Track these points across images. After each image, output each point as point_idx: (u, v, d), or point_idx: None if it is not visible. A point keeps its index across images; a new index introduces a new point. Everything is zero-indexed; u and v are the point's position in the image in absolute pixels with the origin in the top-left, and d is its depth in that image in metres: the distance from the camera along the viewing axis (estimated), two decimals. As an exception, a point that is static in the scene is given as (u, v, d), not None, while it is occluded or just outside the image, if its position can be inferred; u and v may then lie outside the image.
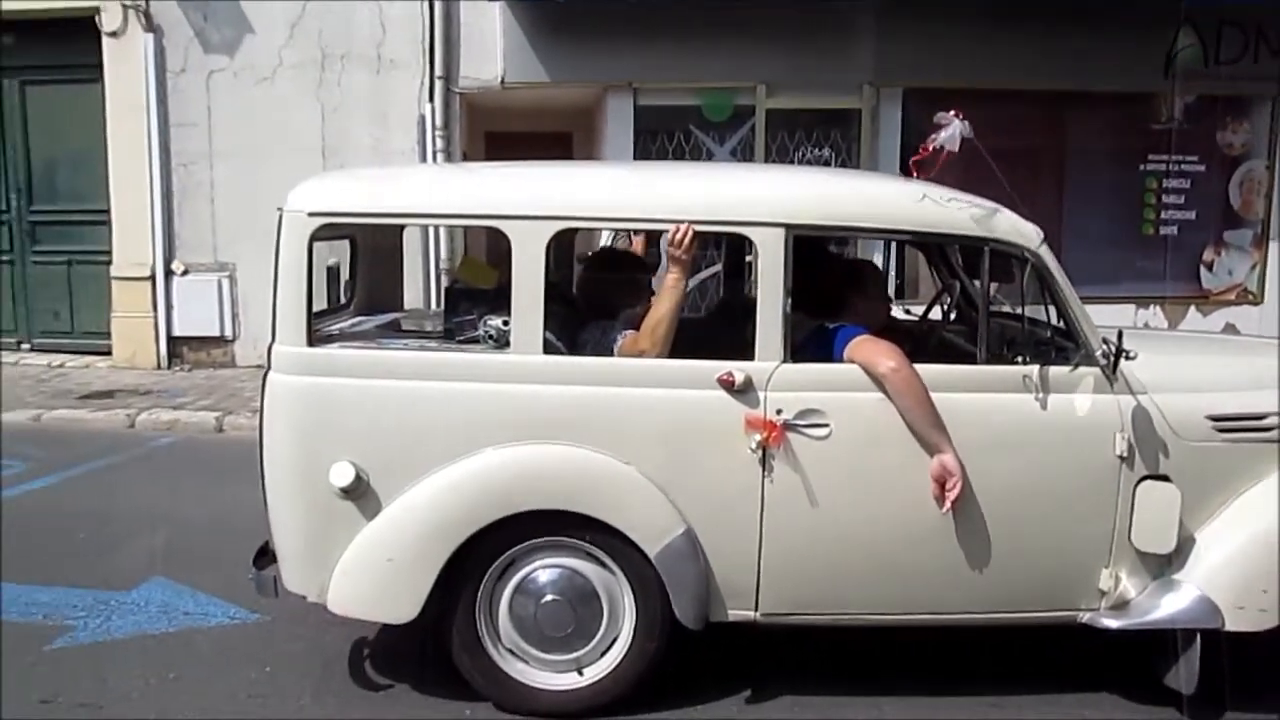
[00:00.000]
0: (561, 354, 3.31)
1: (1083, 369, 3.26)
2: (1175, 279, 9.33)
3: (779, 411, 3.15)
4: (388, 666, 3.65)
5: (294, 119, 8.97)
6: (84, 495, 5.79)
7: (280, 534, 3.32)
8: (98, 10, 8.92)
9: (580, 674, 3.32)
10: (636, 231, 4.44)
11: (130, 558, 4.71)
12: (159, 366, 9.19)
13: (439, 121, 8.92)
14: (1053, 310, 3.32)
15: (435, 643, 3.36)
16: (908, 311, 4.49)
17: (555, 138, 10.49)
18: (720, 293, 5.55)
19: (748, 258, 4.54)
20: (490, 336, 3.33)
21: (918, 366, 3.17)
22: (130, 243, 9.17)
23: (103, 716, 3.34)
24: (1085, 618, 3.33)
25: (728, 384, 3.15)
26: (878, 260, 7.93)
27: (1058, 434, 3.24)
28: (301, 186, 3.31)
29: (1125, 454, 3.23)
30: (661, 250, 3.70)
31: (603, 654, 3.32)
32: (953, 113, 3.66)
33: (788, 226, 3.18)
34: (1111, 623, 3.27)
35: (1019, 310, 3.33)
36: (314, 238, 3.20)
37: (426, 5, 8.84)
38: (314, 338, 3.25)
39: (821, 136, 9.17)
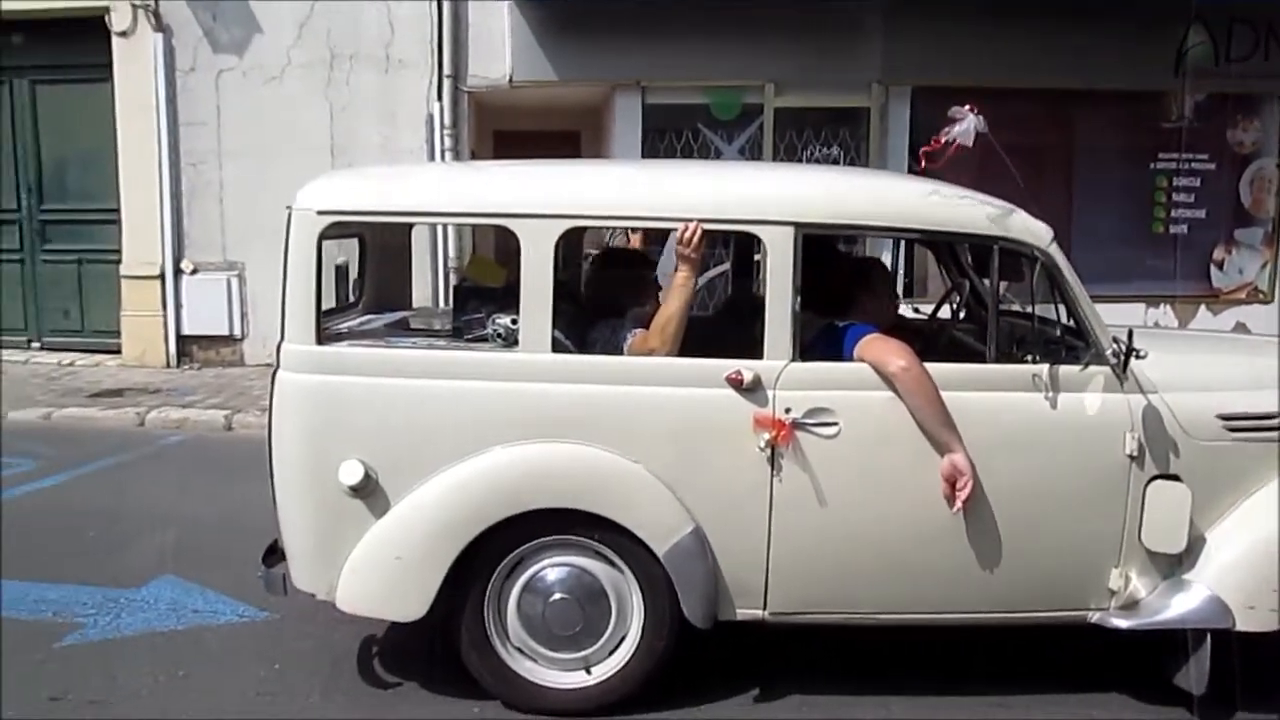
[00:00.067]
0: (570, 352, 3.31)
1: (1093, 368, 3.25)
2: (1185, 278, 9.30)
3: (788, 410, 3.15)
4: (396, 664, 3.65)
5: (302, 118, 8.99)
6: (94, 493, 5.81)
7: (289, 532, 3.32)
8: (107, 10, 8.94)
9: (588, 672, 3.32)
10: (635, 229, 4.43)
11: (140, 555, 4.72)
12: (168, 365, 9.22)
13: (447, 120, 8.93)
14: (1062, 309, 3.30)
15: (444, 641, 3.36)
16: (917, 310, 4.48)
17: (563, 136, 10.49)
18: (729, 291, 5.54)
19: (756, 256, 4.55)
20: (499, 335, 3.34)
21: (927, 365, 3.16)
22: (140, 242, 9.20)
23: (112, 713, 3.35)
24: (1095, 617, 3.32)
25: (736, 383, 3.14)
26: (886, 259, 7.91)
27: (1068, 433, 3.23)
28: (310, 185, 3.31)
29: (1135, 453, 3.21)
30: (668, 249, 3.69)
31: (611, 652, 3.32)
32: (967, 107, 3.65)
33: (796, 225, 3.17)
34: (1121, 622, 3.26)
35: (1028, 309, 3.32)
36: (323, 236, 3.21)
37: (435, 5, 8.84)
38: (323, 336, 3.26)
39: (830, 135, 9.16)
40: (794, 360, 3.18)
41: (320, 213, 3.21)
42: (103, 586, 4.31)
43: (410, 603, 3.19)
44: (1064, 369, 3.24)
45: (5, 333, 9.72)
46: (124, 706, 3.39)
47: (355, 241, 4.04)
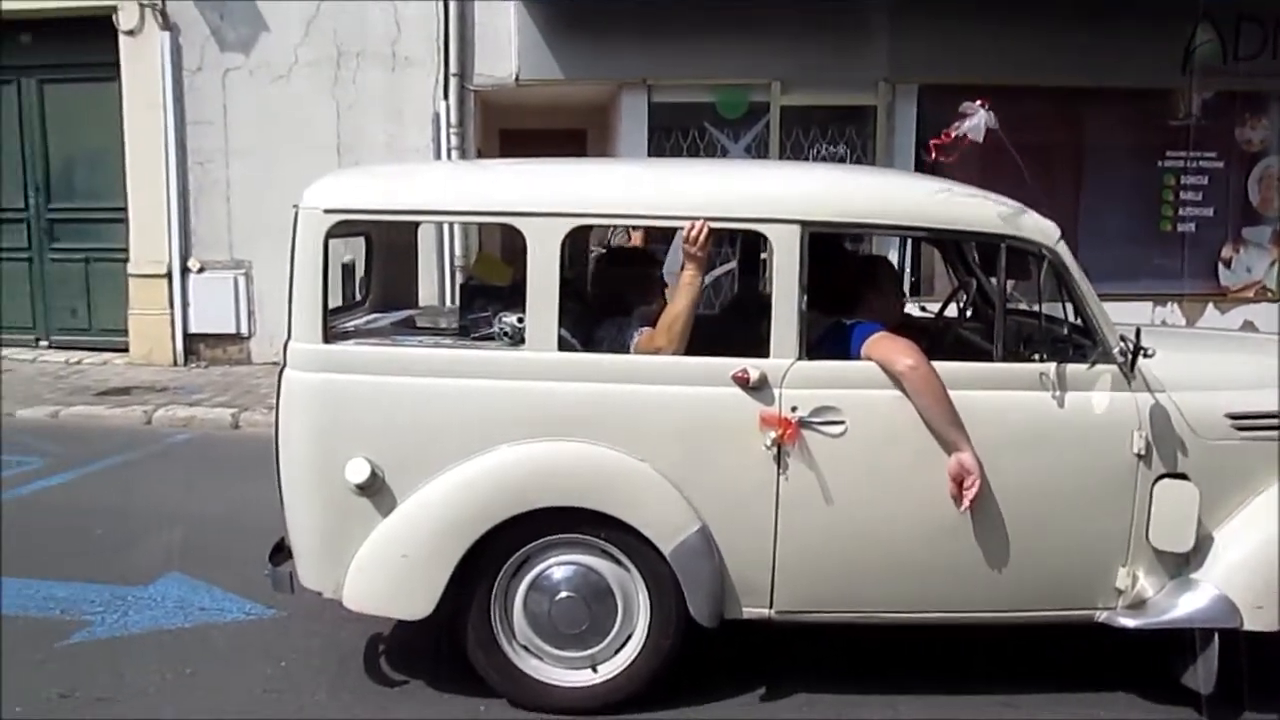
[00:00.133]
0: (576, 351, 3.31)
1: (1100, 367, 3.24)
2: (1193, 276, 9.27)
3: (794, 409, 3.14)
4: (403, 662, 3.65)
5: (309, 117, 9.00)
6: (101, 491, 5.82)
7: (296, 530, 3.32)
8: (114, 9, 8.96)
9: (595, 671, 3.32)
10: (635, 227, 4.44)
11: (147, 553, 4.73)
12: (175, 363, 9.24)
13: (454, 119, 8.94)
14: (1070, 307, 3.30)
15: (450, 639, 3.36)
16: (923, 309, 4.47)
17: (570, 135, 10.49)
18: (735, 290, 5.54)
19: (762, 255, 4.55)
20: (505, 333, 3.34)
21: (934, 364, 3.15)
22: (147, 240, 9.22)
23: (119, 710, 3.35)
24: (1102, 616, 3.31)
25: (743, 381, 3.14)
26: (893, 257, 7.91)
27: (1075, 432, 3.22)
28: (317, 184, 3.32)
29: (1143, 452, 3.21)
30: (675, 247, 3.70)
31: (617, 651, 3.32)
32: (979, 102, 3.64)
33: (803, 223, 3.17)
34: (1129, 622, 3.25)
35: (1036, 307, 3.31)
36: (329, 235, 3.21)
37: (441, 3, 8.85)
38: (329, 334, 3.26)
39: (836, 133, 9.15)
40: (800, 359, 3.17)
41: (327, 211, 3.21)
42: (110, 584, 4.32)
43: (416, 601, 3.19)
44: (1071, 368, 3.23)
45: (14, 331, 9.76)
46: (131, 704, 3.39)
47: (362, 240, 4.04)
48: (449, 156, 8.89)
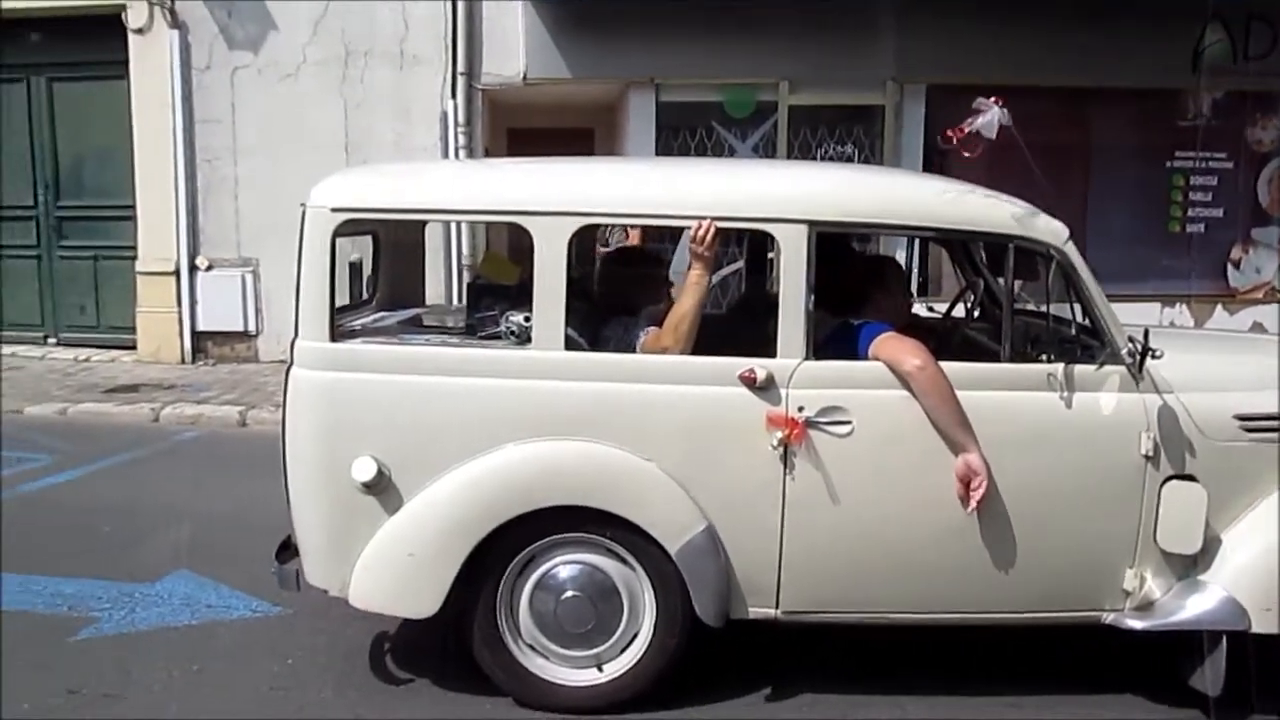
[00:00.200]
0: (583, 350, 3.31)
1: (1108, 367, 3.23)
2: (1202, 277, 9.25)
3: (801, 409, 3.14)
4: (409, 661, 3.66)
5: (317, 115, 9.02)
6: (109, 488, 5.83)
7: (302, 528, 3.33)
8: (124, 8, 9.00)
9: (600, 670, 3.32)
10: (634, 226, 4.43)
11: (154, 551, 4.74)
12: (183, 361, 9.27)
13: (461, 118, 8.95)
14: (1078, 308, 3.28)
15: (456, 638, 3.36)
16: (931, 309, 4.46)
17: (577, 134, 10.49)
18: (742, 289, 5.54)
19: (770, 254, 4.54)
20: (512, 332, 3.33)
21: (942, 364, 3.15)
22: (155, 238, 9.25)
23: (126, 707, 3.36)
24: (1109, 618, 3.30)
25: (749, 381, 3.14)
26: (901, 257, 7.88)
27: (1082, 433, 3.21)
28: (324, 182, 3.32)
29: (1151, 453, 3.19)
30: (682, 246, 3.69)
31: (623, 650, 3.31)
32: (992, 99, 3.62)
33: (810, 223, 3.16)
34: (1136, 623, 3.24)
35: (1044, 308, 3.30)
36: (337, 233, 3.21)
37: (449, 2, 8.86)
38: (336, 333, 3.27)
39: (844, 133, 9.14)
40: (807, 359, 3.17)
41: (334, 210, 3.22)
42: (118, 581, 4.33)
43: (423, 599, 3.19)
44: (1079, 368, 3.22)
45: (22, 328, 9.81)
46: (138, 700, 3.40)
47: (369, 238, 4.04)
48: (456, 155, 8.90)
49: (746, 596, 3.26)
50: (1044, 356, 3.26)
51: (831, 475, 3.16)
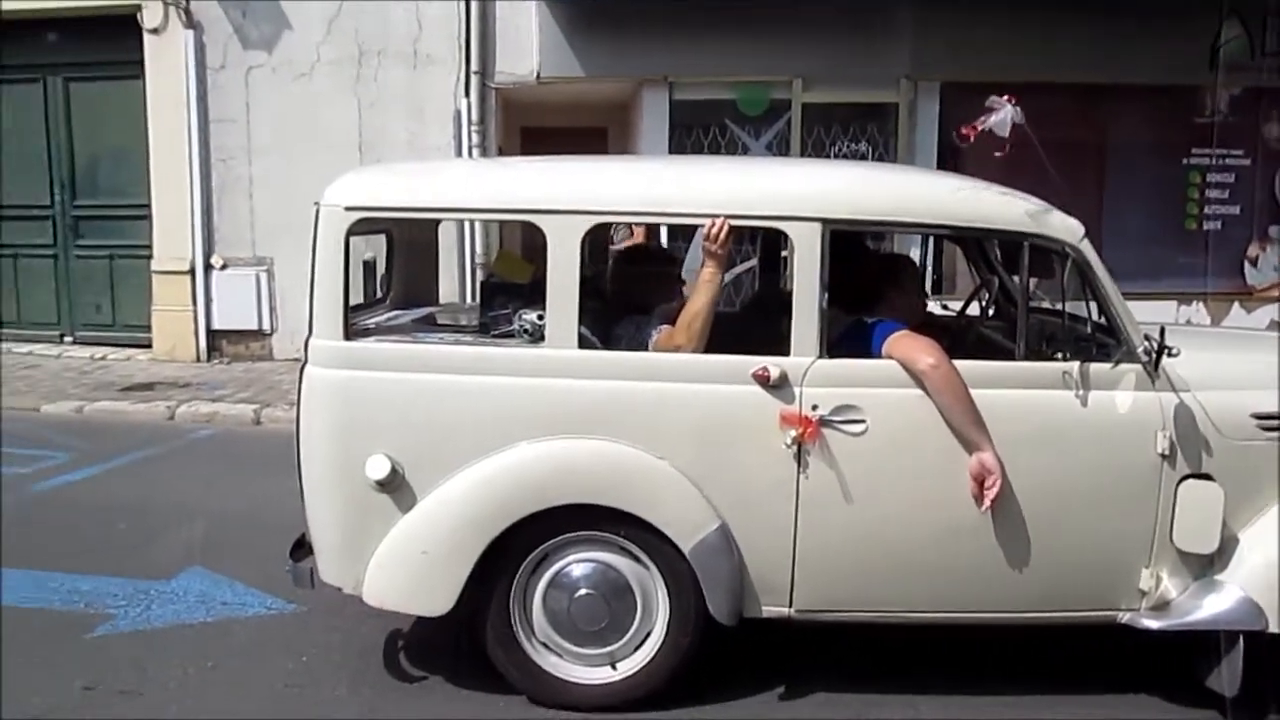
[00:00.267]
0: (596, 348, 3.31)
1: (1124, 366, 3.21)
2: (1218, 275, 9.19)
3: (814, 407, 3.13)
4: (422, 659, 3.66)
5: (331, 114, 9.04)
6: (124, 486, 5.86)
7: (316, 526, 3.34)
8: (139, 8, 9.03)
9: (614, 668, 3.32)
10: (638, 224, 4.42)
11: (169, 548, 4.76)
12: (198, 359, 9.30)
13: (475, 116, 8.96)
14: (1093, 306, 3.26)
15: (469, 636, 3.37)
16: (945, 307, 4.44)
17: (590, 132, 10.50)
18: (756, 287, 5.53)
19: (783, 252, 4.54)
20: (525, 331, 3.34)
21: (956, 363, 3.14)
22: (170, 237, 9.29)
23: (141, 704, 3.38)
24: (1125, 618, 3.28)
25: (763, 379, 3.13)
26: (915, 255, 7.87)
27: (1098, 431, 3.19)
28: (338, 181, 3.33)
29: (1167, 452, 3.18)
30: (695, 244, 3.69)
31: (636, 648, 3.31)
32: (1006, 97, 3.60)
33: (824, 221, 3.15)
34: (1152, 623, 3.22)
35: (1059, 306, 3.29)
36: (351, 232, 3.22)
37: (463, 1, 8.87)
38: (350, 331, 3.27)
39: (858, 131, 9.11)
40: (821, 357, 3.16)
41: (348, 209, 3.22)
42: (133, 578, 4.35)
43: (436, 597, 3.20)
44: (1094, 367, 3.20)
45: (39, 327, 9.86)
46: (154, 696, 3.42)
47: (383, 237, 4.05)
48: (470, 154, 8.91)
49: (760, 595, 3.25)
50: (1059, 355, 3.25)
51: (845, 474, 3.15)
